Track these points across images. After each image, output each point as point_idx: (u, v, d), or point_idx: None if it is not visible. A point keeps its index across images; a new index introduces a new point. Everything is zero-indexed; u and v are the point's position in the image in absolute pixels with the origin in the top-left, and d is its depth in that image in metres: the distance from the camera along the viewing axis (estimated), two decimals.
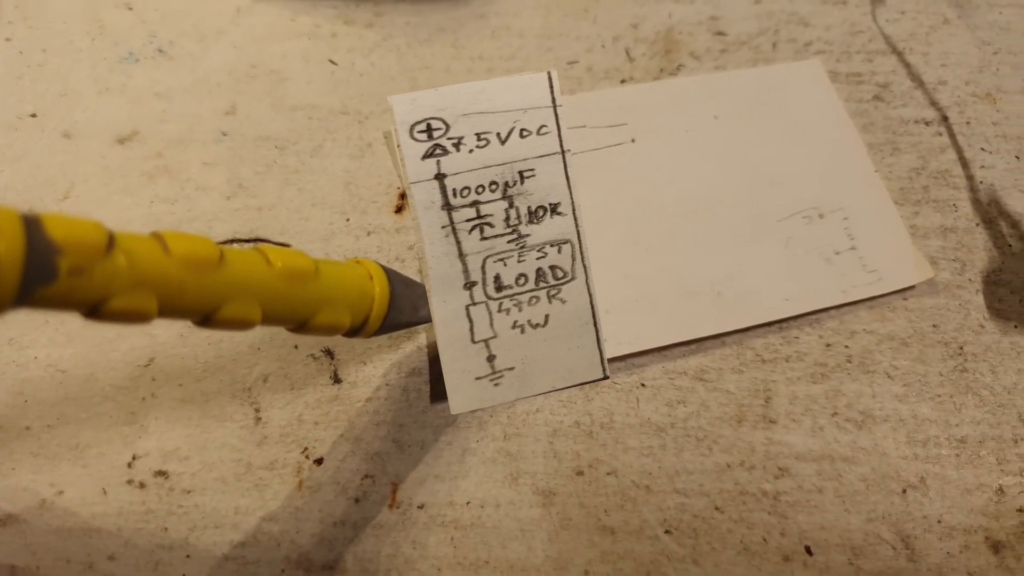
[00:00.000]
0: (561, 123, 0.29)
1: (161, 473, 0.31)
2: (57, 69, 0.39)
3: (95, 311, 0.19)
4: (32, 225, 0.17)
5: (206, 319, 0.22)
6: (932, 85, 0.40)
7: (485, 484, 0.31)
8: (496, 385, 0.30)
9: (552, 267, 0.30)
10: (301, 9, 0.41)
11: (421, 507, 0.30)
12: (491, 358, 0.30)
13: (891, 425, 0.32)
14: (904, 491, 0.31)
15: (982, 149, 0.39)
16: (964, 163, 0.38)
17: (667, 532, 0.30)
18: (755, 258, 0.35)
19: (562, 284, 0.30)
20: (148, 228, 0.35)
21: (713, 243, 0.35)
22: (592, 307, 0.31)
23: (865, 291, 0.35)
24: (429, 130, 0.28)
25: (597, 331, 0.31)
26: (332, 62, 0.40)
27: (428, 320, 0.30)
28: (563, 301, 0.31)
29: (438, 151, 0.28)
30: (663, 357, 0.33)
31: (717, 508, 0.31)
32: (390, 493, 0.31)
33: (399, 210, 0.36)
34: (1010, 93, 0.40)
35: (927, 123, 0.39)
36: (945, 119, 0.39)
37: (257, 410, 0.32)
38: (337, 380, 0.32)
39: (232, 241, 0.35)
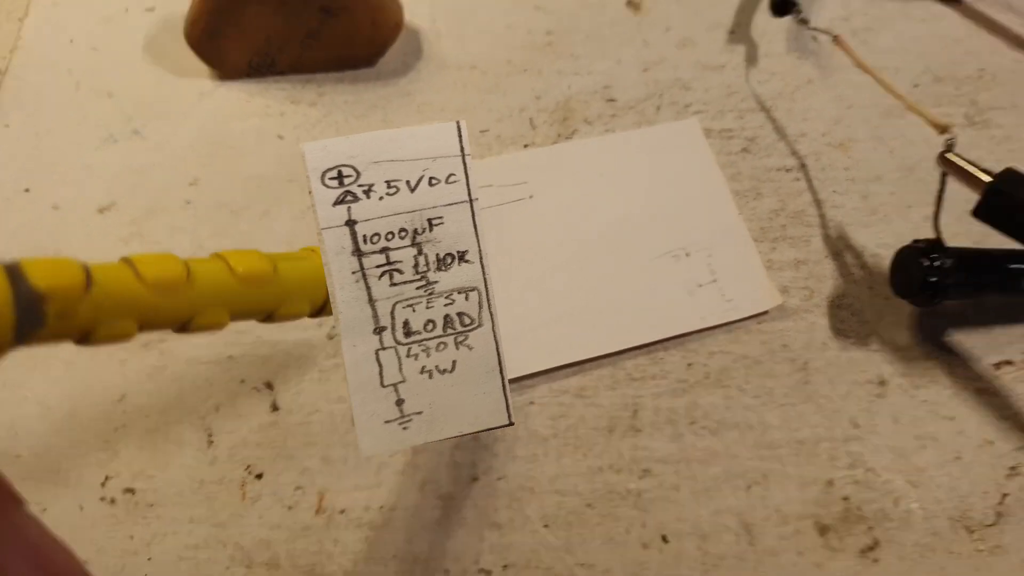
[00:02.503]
0: (469, 172, 0.30)
1: (129, 490, 0.37)
2: (48, 150, 0.46)
3: (83, 340, 0.21)
4: (16, 278, 0.18)
5: (182, 328, 0.24)
6: (794, 137, 0.47)
7: (396, 491, 0.37)
8: (404, 429, 0.31)
9: (459, 314, 0.31)
10: (255, 92, 0.48)
11: (342, 512, 0.36)
12: (400, 402, 0.30)
13: (741, 431, 0.38)
14: (749, 487, 0.37)
15: (834, 191, 0.45)
16: (818, 204, 0.44)
17: (545, 526, 0.36)
18: (630, 292, 0.41)
19: (469, 331, 0.31)
20: None
21: (595, 280, 0.41)
22: (498, 354, 0.31)
23: (721, 317, 0.41)
24: (340, 177, 0.28)
25: (503, 378, 0.32)
26: (280, 137, 0.46)
27: None
28: (470, 347, 0.31)
29: (348, 198, 0.28)
30: (550, 379, 0.39)
31: (588, 505, 0.37)
32: (317, 501, 0.37)
33: None
34: (860, 142, 0.46)
35: (788, 170, 0.45)
36: (803, 166, 0.46)
37: (210, 435, 0.38)
38: (275, 408, 0.39)
39: None
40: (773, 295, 0.41)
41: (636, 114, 0.47)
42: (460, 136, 0.29)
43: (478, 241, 0.30)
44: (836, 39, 0.44)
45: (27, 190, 0.44)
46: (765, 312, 0.41)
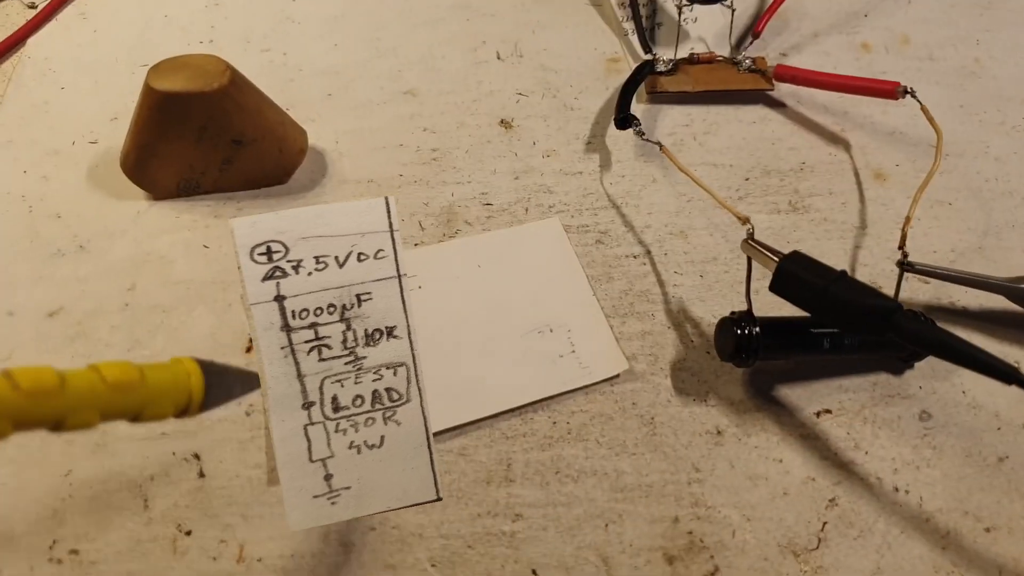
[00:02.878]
0: (398, 247, 0.30)
1: (74, 551, 0.42)
2: (2, 265, 0.52)
3: None
4: None
5: (55, 428, 0.26)
6: (640, 228, 0.55)
7: (305, 541, 0.42)
8: (333, 504, 0.32)
9: (388, 389, 0.31)
10: (183, 209, 0.55)
11: (259, 560, 0.42)
12: (328, 477, 0.31)
13: (598, 478, 0.44)
14: (607, 525, 0.43)
15: (675, 272, 0.53)
16: (661, 283, 0.52)
17: (433, 566, 0.42)
18: (502, 363, 0.48)
19: (397, 406, 0.32)
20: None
21: (472, 356, 0.48)
22: (426, 429, 0.33)
23: (580, 381, 0.47)
24: (269, 252, 0.28)
25: (431, 452, 0.33)
26: (206, 247, 0.53)
27: (241, 395, 0.32)
28: (398, 423, 0.32)
29: (278, 273, 0.28)
30: (438, 440, 0.45)
31: (469, 546, 0.42)
32: (238, 552, 0.42)
33: (248, 350, 0.49)
34: (697, 229, 0.55)
35: (635, 256, 0.53)
36: (649, 252, 0.53)
37: (145, 500, 0.44)
38: (202, 475, 0.44)
39: None
40: (621, 361, 0.48)
41: (508, 215, 0.55)
42: (389, 212, 0.30)
43: (406, 317, 0.31)
44: (662, 148, 0.53)
45: None
46: (617, 376, 0.48)
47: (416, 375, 0.31)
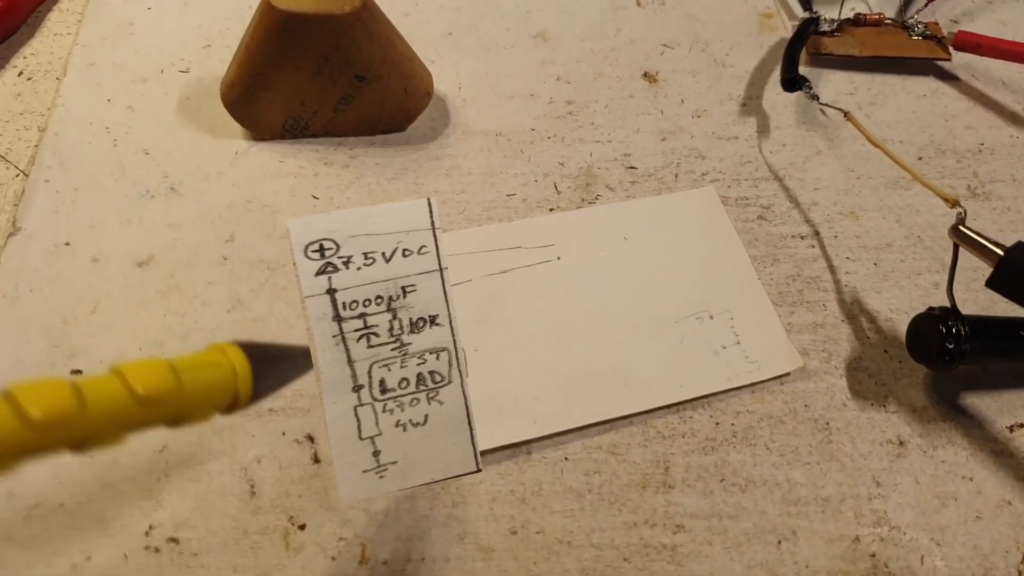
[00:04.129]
0: (440, 243, 0.32)
1: (173, 540, 0.37)
2: (87, 205, 0.46)
3: None
4: None
5: (74, 450, 0.23)
6: (806, 206, 0.49)
7: (437, 543, 0.38)
8: (381, 477, 0.33)
9: (431, 372, 0.33)
10: (288, 153, 0.49)
11: (385, 563, 0.37)
12: (376, 453, 0.32)
13: (768, 488, 0.40)
14: (779, 542, 0.38)
15: (847, 258, 0.47)
16: (832, 270, 0.47)
17: None
18: (656, 352, 0.43)
19: (440, 387, 0.33)
20: (163, 338, 0.42)
21: (621, 340, 0.43)
22: (467, 408, 0.34)
23: (747, 378, 0.42)
24: (322, 250, 0.30)
25: (471, 429, 0.34)
26: (314, 197, 0.48)
27: (296, 379, 0.32)
28: (440, 402, 0.33)
29: (329, 268, 0.30)
30: (583, 435, 0.41)
31: (625, 559, 0.38)
32: (360, 552, 0.37)
33: None
34: (869, 211, 0.49)
35: (802, 237, 0.48)
36: (817, 234, 0.48)
37: (252, 486, 0.39)
38: (316, 460, 0.40)
39: None
40: (794, 357, 0.43)
41: (656, 181, 0.49)
42: (431, 212, 0.31)
43: (448, 306, 0.32)
44: (847, 115, 0.47)
45: (67, 243, 0.45)
46: (787, 374, 0.43)
47: (457, 358, 0.33)
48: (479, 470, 0.34)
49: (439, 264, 0.32)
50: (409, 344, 0.32)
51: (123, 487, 0.38)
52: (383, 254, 0.31)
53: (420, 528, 0.38)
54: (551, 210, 0.48)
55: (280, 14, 0.43)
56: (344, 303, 0.31)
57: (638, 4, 0.59)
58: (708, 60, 0.56)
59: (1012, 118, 0.54)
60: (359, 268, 0.31)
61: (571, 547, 0.38)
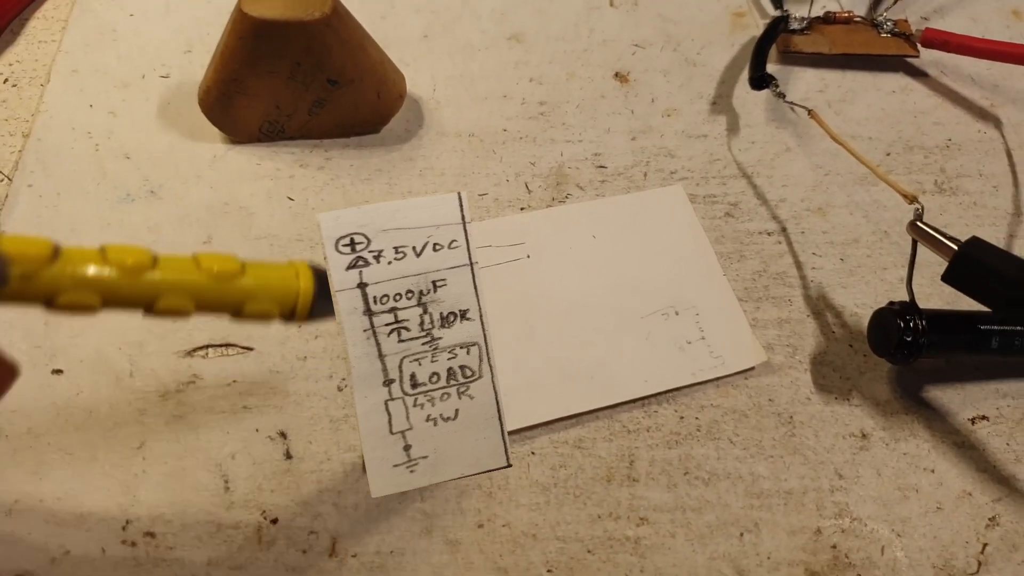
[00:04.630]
0: (470, 238, 0.32)
1: (149, 534, 0.38)
2: (69, 209, 0.47)
3: (49, 304, 0.24)
4: None
5: (147, 310, 0.26)
6: (774, 202, 0.50)
7: (405, 536, 0.38)
8: (411, 472, 0.33)
9: (461, 367, 0.33)
10: (265, 155, 0.50)
11: (354, 556, 0.38)
12: (407, 448, 0.33)
13: (732, 481, 0.40)
14: (741, 534, 0.39)
15: (813, 254, 0.48)
16: (798, 266, 0.47)
17: (549, 571, 0.38)
18: (622, 348, 0.44)
19: (470, 382, 0.33)
20: (143, 337, 0.43)
21: (589, 337, 0.44)
22: (497, 403, 0.34)
23: (711, 373, 0.43)
24: (352, 244, 0.30)
25: (501, 424, 0.34)
26: (290, 199, 0.48)
27: None
28: (471, 397, 0.34)
29: (360, 263, 0.31)
30: (549, 430, 0.41)
31: (589, 551, 0.38)
32: (330, 545, 0.38)
33: None
34: (836, 207, 0.50)
35: (769, 234, 0.48)
36: (784, 230, 0.49)
37: (226, 481, 0.40)
38: (289, 456, 0.40)
39: (207, 346, 0.43)
40: (759, 352, 0.44)
41: (625, 180, 0.50)
42: (461, 206, 0.32)
43: (478, 301, 0.33)
44: (811, 112, 0.48)
45: None
46: (751, 368, 0.44)
47: (488, 353, 0.33)
48: (509, 465, 0.34)
49: (470, 258, 0.32)
50: (440, 339, 0.32)
51: (101, 483, 0.39)
52: (414, 248, 0.31)
53: (389, 522, 0.39)
54: (522, 209, 0.48)
55: (252, 20, 0.43)
56: (375, 297, 0.31)
57: (611, 5, 0.59)
58: (680, 59, 0.56)
59: (980, 114, 0.54)
60: (390, 262, 0.31)
61: (536, 540, 0.39)
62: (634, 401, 0.42)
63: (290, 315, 0.30)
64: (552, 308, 0.45)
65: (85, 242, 0.45)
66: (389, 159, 0.50)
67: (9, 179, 0.48)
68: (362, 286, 0.31)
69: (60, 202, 0.48)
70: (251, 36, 0.44)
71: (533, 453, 0.41)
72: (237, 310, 0.28)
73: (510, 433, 0.40)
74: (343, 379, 0.42)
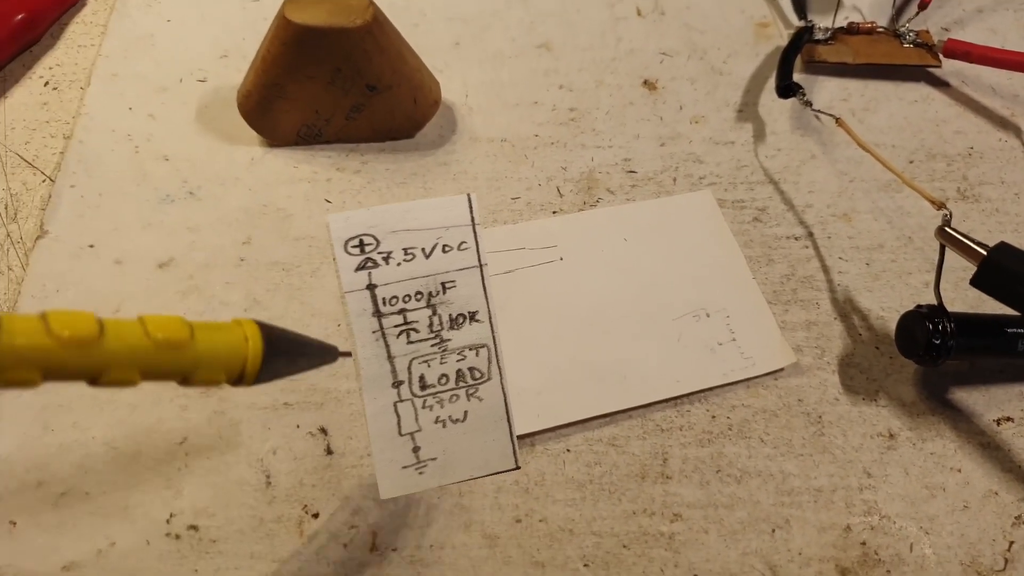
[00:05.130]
0: (479, 239, 0.32)
1: (193, 527, 0.39)
2: (110, 209, 0.48)
3: None
4: None
5: (91, 382, 0.24)
6: (801, 208, 0.51)
7: (444, 531, 0.39)
8: (420, 473, 0.34)
9: (471, 368, 0.33)
10: (302, 159, 0.51)
11: (395, 550, 0.38)
12: (416, 449, 0.33)
13: (763, 479, 0.41)
14: (773, 531, 0.40)
15: (840, 258, 0.49)
16: (825, 270, 0.48)
17: (585, 565, 0.39)
18: (654, 349, 0.44)
19: (479, 384, 0.34)
20: None
21: (621, 338, 0.44)
22: (506, 404, 0.34)
23: (742, 373, 0.44)
24: (361, 245, 0.30)
25: (510, 426, 0.35)
26: (327, 201, 0.49)
27: (308, 369, 0.32)
28: (480, 399, 0.34)
29: (369, 264, 0.31)
30: (584, 428, 0.42)
31: (624, 546, 0.39)
32: (371, 539, 0.39)
33: None
34: (861, 213, 0.50)
35: (796, 238, 0.49)
36: (811, 235, 0.49)
37: (268, 476, 0.40)
38: (329, 452, 0.41)
39: None
40: (788, 353, 0.45)
41: (655, 184, 0.51)
42: (471, 207, 0.32)
43: (487, 302, 0.33)
44: (838, 121, 0.49)
45: (91, 246, 0.47)
46: (780, 369, 0.44)
47: (497, 355, 0.33)
48: (518, 467, 0.34)
49: (479, 260, 0.32)
50: (449, 340, 0.32)
51: (145, 477, 0.40)
52: (423, 250, 0.31)
53: (428, 517, 0.39)
54: (554, 213, 0.49)
55: (295, 27, 0.44)
56: (384, 299, 0.31)
57: (638, 14, 0.60)
58: (706, 68, 0.57)
59: (1000, 123, 0.55)
60: (399, 264, 0.31)
61: (572, 535, 0.39)
62: (667, 401, 0.43)
63: (238, 380, 0.29)
64: (585, 309, 0.45)
65: (127, 243, 0.47)
66: (424, 163, 0.51)
67: (52, 180, 0.49)
68: (371, 287, 0.31)
69: (102, 202, 0.48)
70: (294, 42, 0.45)
71: (568, 450, 0.42)
72: (185, 378, 0.27)
73: (544, 431, 0.41)
74: None
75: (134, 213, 0.48)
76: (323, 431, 0.42)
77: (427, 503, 0.40)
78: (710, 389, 0.44)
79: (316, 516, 0.39)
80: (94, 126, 0.52)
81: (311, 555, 0.38)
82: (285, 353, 0.31)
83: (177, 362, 0.26)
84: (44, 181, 0.49)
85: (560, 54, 0.57)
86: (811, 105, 0.51)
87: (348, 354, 0.34)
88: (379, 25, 0.46)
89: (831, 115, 0.49)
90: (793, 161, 0.53)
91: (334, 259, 0.32)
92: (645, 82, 0.56)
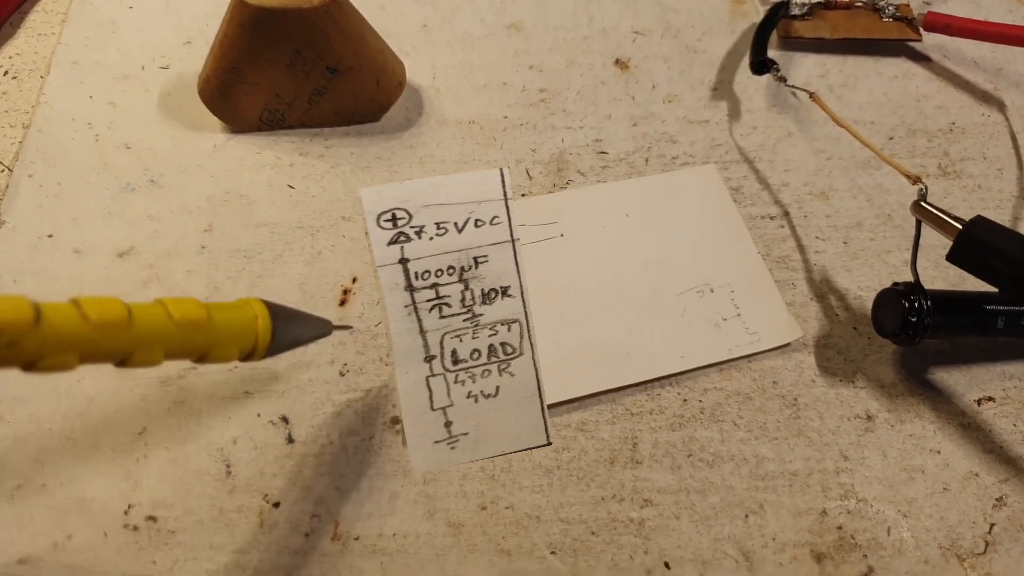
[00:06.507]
0: (512, 214, 0.33)
1: (151, 518, 0.38)
2: (69, 198, 0.47)
3: (29, 368, 0.23)
4: None
5: (120, 363, 0.26)
6: (776, 187, 0.49)
7: (408, 519, 0.38)
8: (452, 448, 0.34)
9: (502, 343, 0.34)
10: (265, 144, 0.50)
11: (357, 539, 0.38)
12: (448, 424, 0.34)
13: (736, 463, 0.40)
14: (746, 516, 0.39)
15: (816, 238, 0.47)
16: (801, 249, 0.47)
17: (552, 553, 0.38)
18: (657, 325, 0.43)
19: (511, 359, 0.34)
20: None
21: (624, 314, 0.43)
22: (538, 380, 0.35)
23: (747, 349, 0.43)
24: (394, 219, 0.31)
25: (542, 401, 0.35)
26: (290, 187, 0.48)
27: (309, 341, 0.35)
28: (512, 374, 0.34)
29: (402, 238, 0.31)
30: (552, 413, 0.41)
31: (593, 533, 0.38)
32: (332, 529, 0.38)
33: (342, 303, 0.44)
34: (839, 191, 0.49)
35: (772, 218, 0.48)
36: (787, 214, 0.48)
37: (228, 466, 0.39)
38: (291, 440, 0.40)
39: None
40: (794, 328, 0.44)
41: (627, 165, 0.50)
42: (503, 182, 0.32)
43: (520, 277, 0.33)
44: (812, 96, 0.48)
45: (50, 235, 0.46)
46: (787, 344, 0.43)
47: (528, 330, 0.33)
48: (549, 443, 0.34)
49: (511, 235, 0.32)
50: (481, 315, 0.32)
51: (103, 468, 0.39)
52: (455, 224, 0.32)
53: (392, 505, 0.39)
54: (523, 195, 0.48)
55: (252, 9, 0.43)
56: (416, 273, 0.31)
57: None
58: (680, 47, 0.56)
59: (983, 97, 0.54)
60: (431, 238, 0.31)
61: (540, 522, 0.38)
62: (637, 385, 0.42)
63: (248, 356, 0.31)
64: (587, 286, 0.44)
65: (87, 233, 0.46)
66: (389, 147, 0.50)
67: (10, 170, 0.48)
68: (403, 261, 0.31)
69: (61, 192, 0.47)
70: (250, 25, 0.44)
71: None
72: (202, 356, 0.29)
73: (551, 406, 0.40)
74: (345, 364, 0.42)
75: (94, 202, 0.47)
76: (284, 420, 0.41)
77: (390, 491, 0.39)
78: (682, 373, 0.43)
79: (277, 506, 0.39)
80: (54, 115, 0.50)
81: (272, 545, 0.38)
82: (289, 328, 0.33)
83: (197, 341, 0.28)
84: (2, 171, 0.48)
85: (531, 34, 0.56)
86: (785, 81, 0.50)
87: (348, 327, 0.35)
88: (338, 6, 0.44)
89: (806, 90, 0.48)
90: (769, 139, 0.52)
91: (366, 233, 0.30)
92: (617, 61, 0.55)
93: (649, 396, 0.42)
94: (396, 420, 0.41)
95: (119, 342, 0.25)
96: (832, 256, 0.47)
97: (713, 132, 0.52)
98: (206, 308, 0.29)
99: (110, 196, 0.48)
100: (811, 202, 0.49)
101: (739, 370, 0.43)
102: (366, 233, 0.31)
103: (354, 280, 0.44)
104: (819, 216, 0.48)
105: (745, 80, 0.54)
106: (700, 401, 0.42)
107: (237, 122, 0.50)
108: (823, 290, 0.45)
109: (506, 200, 0.32)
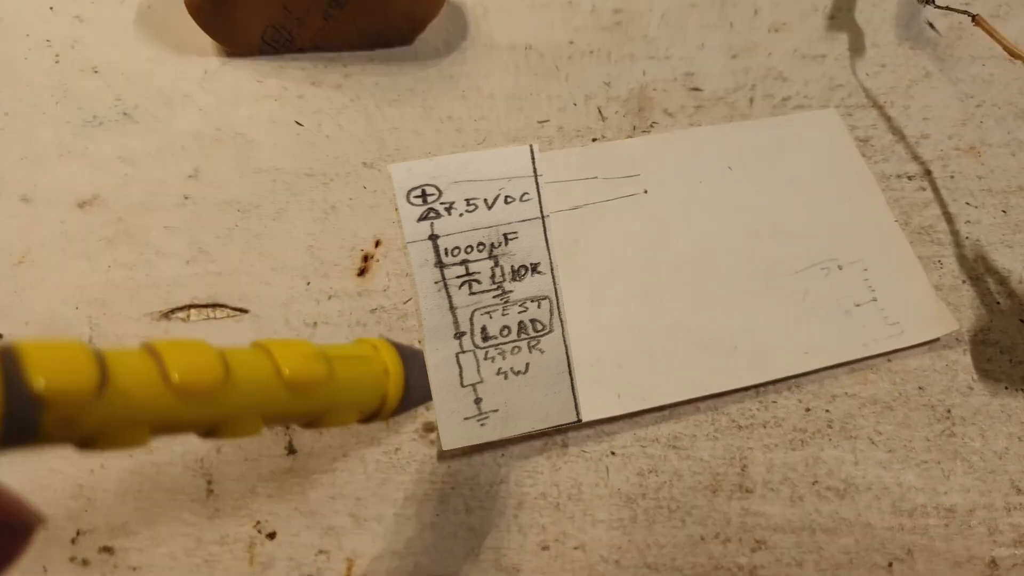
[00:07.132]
0: (541, 191, 0.31)
1: (106, 549, 0.30)
2: (18, 132, 0.38)
3: (84, 446, 0.17)
4: (11, 373, 0.15)
5: (206, 435, 0.20)
6: (914, 139, 0.40)
7: (445, 560, 0.30)
8: (482, 425, 0.32)
9: (532, 320, 0.32)
10: (268, 71, 0.41)
11: None
12: (478, 401, 0.32)
13: (875, 494, 0.32)
14: (890, 564, 0.31)
15: (967, 204, 0.38)
16: (948, 218, 0.37)
17: None
18: (772, 311, 0.35)
19: (541, 336, 0.32)
20: (107, 295, 0.34)
21: (728, 296, 0.36)
22: (567, 357, 0.33)
23: (887, 344, 0.35)
24: (424, 195, 0.30)
25: (572, 379, 0.33)
26: (299, 124, 0.39)
27: (422, 403, 0.31)
28: (542, 351, 0.32)
29: (432, 214, 0.30)
30: (634, 424, 0.32)
31: None
32: (345, 570, 0.30)
33: (362, 272, 0.35)
34: (994, 146, 0.40)
35: (909, 177, 0.39)
36: (928, 173, 0.39)
37: (209, 481, 0.31)
38: (292, 451, 0.31)
39: (190, 307, 0.34)
40: (948, 319, 0.35)
41: (726, 106, 0.40)
42: (533, 158, 0.31)
43: (549, 254, 0.32)
44: (976, 19, 0.38)
45: None
46: (938, 339, 0.35)
47: (558, 307, 0.32)
48: (580, 420, 0.32)
49: (541, 211, 0.32)
50: (511, 292, 0.32)
51: (45, 481, 0.31)
52: (485, 200, 0.31)
53: (423, 540, 0.30)
54: (594, 140, 0.39)
55: None
56: (446, 249, 0.31)
57: None
58: None
59: None
60: (461, 214, 0.31)
61: (620, 568, 0.30)
62: (746, 388, 0.33)
63: (371, 418, 0.27)
64: (678, 258, 0.36)
65: (39, 176, 0.36)
66: (423, 76, 0.41)
67: None
68: (433, 238, 0.31)
69: (8, 124, 0.39)
70: None
71: (614, 453, 0.32)
72: (310, 422, 0.23)
73: (621, 417, 0.33)
74: None
75: (50, 138, 0.38)
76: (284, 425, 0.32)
77: (422, 521, 0.31)
78: (805, 374, 0.34)
79: (272, 537, 0.31)
80: (4, 29, 0.41)
81: None
82: (419, 379, 0.30)
83: (310, 407, 0.23)
84: None
85: None
86: (933, 2, 0.40)
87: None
88: None
89: (965, 11, 0.38)
90: (902, 80, 0.42)
91: (396, 209, 0.30)
92: None
93: (762, 404, 0.33)
94: (430, 427, 0.32)
95: (209, 412, 0.19)
96: (988, 228, 0.37)
97: (831, 70, 0.42)
98: (327, 361, 0.23)
99: (71, 131, 0.39)
100: (958, 159, 0.39)
101: (876, 371, 0.34)
102: (396, 209, 0.29)
103: (377, 244, 0.35)
104: (970, 177, 0.39)
105: (869, 8, 0.44)
106: (827, 411, 0.33)
107: (234, 43, 0.41)
108: (978, 270, 0.36)
109: (536, 176, 0.31)
